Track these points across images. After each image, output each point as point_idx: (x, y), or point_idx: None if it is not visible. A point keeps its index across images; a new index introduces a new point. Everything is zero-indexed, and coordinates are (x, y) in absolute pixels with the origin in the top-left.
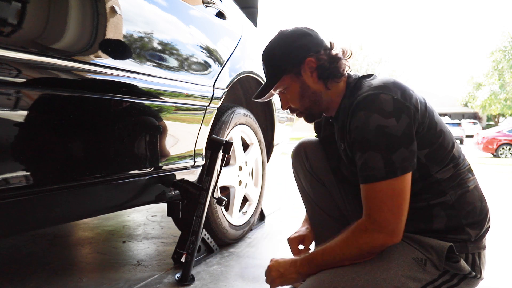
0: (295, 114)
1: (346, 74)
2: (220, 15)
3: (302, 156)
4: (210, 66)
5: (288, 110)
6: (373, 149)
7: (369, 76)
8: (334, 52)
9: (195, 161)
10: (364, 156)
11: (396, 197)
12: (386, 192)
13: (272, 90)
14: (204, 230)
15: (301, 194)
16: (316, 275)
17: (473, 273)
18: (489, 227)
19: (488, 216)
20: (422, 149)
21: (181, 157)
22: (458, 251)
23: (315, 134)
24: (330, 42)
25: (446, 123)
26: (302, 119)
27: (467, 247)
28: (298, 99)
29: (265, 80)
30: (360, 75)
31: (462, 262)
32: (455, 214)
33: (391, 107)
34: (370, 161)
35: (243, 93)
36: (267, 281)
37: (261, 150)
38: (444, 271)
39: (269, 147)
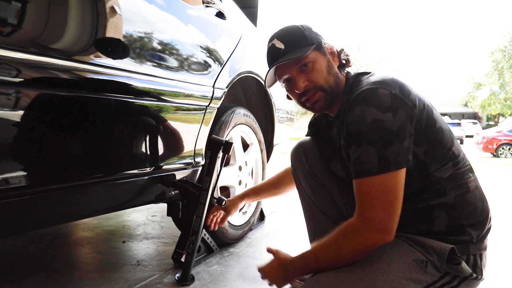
0: (307, 101)
1: (346, 71)
2: (220, 15)
3: (302, 157)
4: (210, 66)
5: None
6: (367, 143)
7: (367, 73)
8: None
9: (195, 161)
10: (358, 151)
11: (388, 193)
12: (378, 188)
13: (291, 63)
14: (204, 230)
15: (300, 196)
16: (316, 276)
17: (474, 275)
18: (490, 227)
19: (489, 216)
20: (420, 146)
21: (181, 157)
22: (459, 253)
23: (307, 132)
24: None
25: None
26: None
27: (469, 248)
28: (325, 75)
29: (279, 59)
30: (358, 72)
31: (463, 264)
32: (456, 215)
33: (389, 101)
34: (363, 155)
35: (243, 93)
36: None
37: (261, 150)
38: (445, 273)
39: (269, 147)
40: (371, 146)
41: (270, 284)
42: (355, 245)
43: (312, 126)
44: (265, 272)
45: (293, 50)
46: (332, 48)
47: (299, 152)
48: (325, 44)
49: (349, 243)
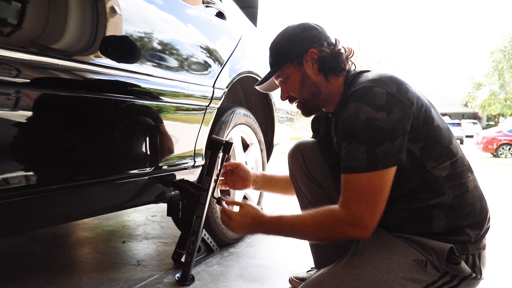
0: (294, 104)
1: (346, 70)
2: (220, 15)
3: (299, 158)
4: (210, 66)
5: (287, 101)
6: (358, 141)
7: (367, 71)
8: (337, 48)
9: (195, 161)
10: (349, 147)
11: (374, 192)
12: (364, 186)
13: (274, 78)
14: (204, 230)
15: (298, 198)
16: (316, 276)
17: (473, 274)
18: (489, 227)
19: (488, 216)
20: (416, 143)
21: (181, 157)
22: (458, 253)
23: (312, 134)
24: (336, 39)
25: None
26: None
27: (467, 248)
28: (298, 89)
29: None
30: (358, 71)
31: (463, 263)
32: (455, 215)
33: (384, 100)
34: (353, 152)
35: (243, 93)
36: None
37: (261, 150)
38: (444, 273)
39: (269, 147)
40: (362, 144)
41: (229, 229)
42: (335, 233)
43: (316, 122)
44: (233, 219)
45: (272, 66)
46: (315, 55)
47: (296, 154)
48: (306, 55)
49: (330, 229)
